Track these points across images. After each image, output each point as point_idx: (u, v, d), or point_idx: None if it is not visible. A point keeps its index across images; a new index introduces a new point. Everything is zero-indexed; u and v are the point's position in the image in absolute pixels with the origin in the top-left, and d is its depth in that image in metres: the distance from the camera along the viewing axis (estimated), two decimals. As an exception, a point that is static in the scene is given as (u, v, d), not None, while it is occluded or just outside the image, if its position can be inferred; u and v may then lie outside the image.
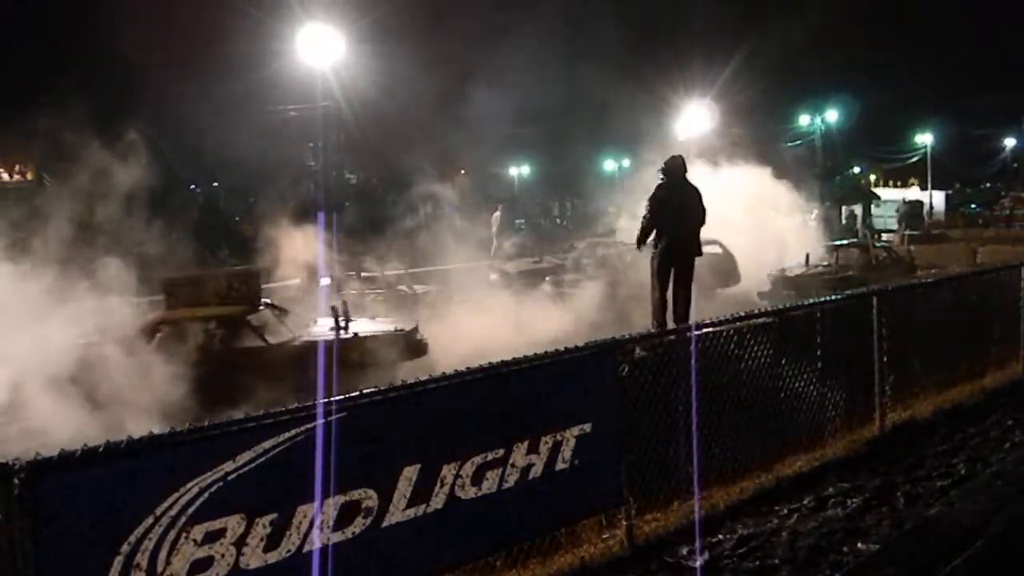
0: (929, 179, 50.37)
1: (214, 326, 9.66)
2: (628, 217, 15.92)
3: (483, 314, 12.63)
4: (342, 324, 9.93)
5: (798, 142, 39.04)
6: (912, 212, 37.37)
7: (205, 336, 9.49)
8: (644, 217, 8.35)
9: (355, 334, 9.93)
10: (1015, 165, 56.70)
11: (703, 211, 8.44)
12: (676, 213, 8.23)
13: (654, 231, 8.29)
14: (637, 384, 5.33)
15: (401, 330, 10.45)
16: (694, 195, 8.41)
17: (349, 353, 9.41)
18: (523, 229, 30.35)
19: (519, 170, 51.10)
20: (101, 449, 3.36)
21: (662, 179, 8.40)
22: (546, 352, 5.02)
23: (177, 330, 9.46)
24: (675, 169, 8.42)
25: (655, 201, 8.27)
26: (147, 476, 3.51)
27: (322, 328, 10.18)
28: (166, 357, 8.77)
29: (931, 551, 4.94)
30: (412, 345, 10.36)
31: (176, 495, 3.55)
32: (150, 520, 3.48)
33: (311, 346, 9.59)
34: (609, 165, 47.56)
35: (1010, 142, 56.21)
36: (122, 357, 8.78)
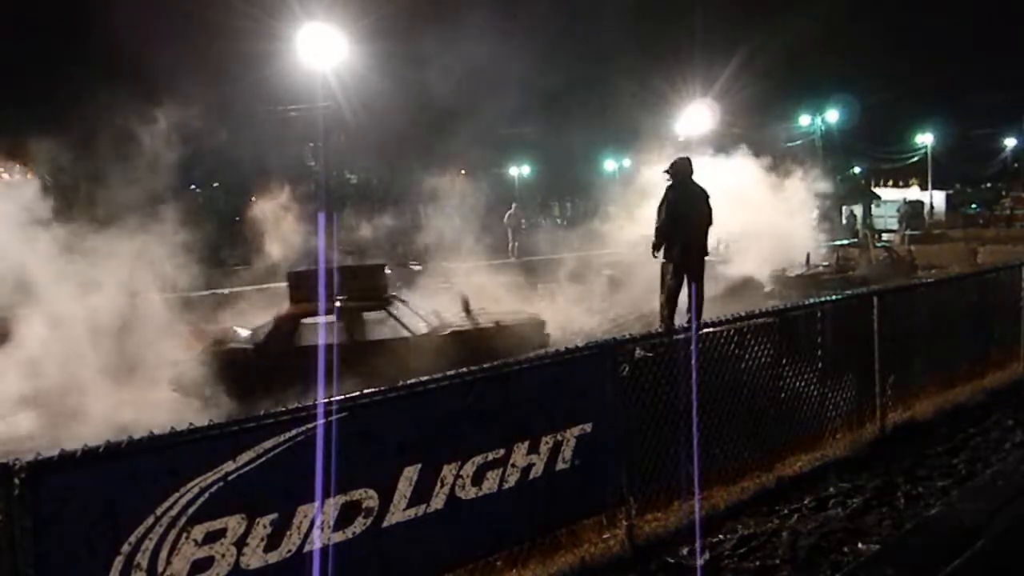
0: (929, 179, 50.38)
1: (358, 319, 9.68)
2: (627, 215, 16.01)
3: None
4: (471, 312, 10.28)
5: (798, 142, 39.04)
6: (913, 212, 37.40)
7: (346, 329, 9.48)
8: (660, 223, 8.34)
9: (496, 323, 10.13)
10: (1015, 165, 56.68)
11: (710, 211, 8.44)
12: (687, 216, 8.24)
13: (664, 237, 8.29)
14: (637, 384, 5.33)
15: (535, 317, 10.64)
16: (701, 196, 8.42)
17: (491, 342, 9.49)
18: (525, 228, 30.45)
19: (519, 170, 51.11)
20: (101, 449, 3.36)
21: (669, 182, 8.40)
22: (546, 352, 5.04)
23: (316, 324, 9.47)
24: (682, 171, 8.43)
25: (668, 206, 8.28)
26: (148, 476, 3.51)
27: (456, 318, 10.36)
28: (314, 351, 8.77)
29: (931, 551, 4.94)
30: (542, 334, 10.49)
31: (177, 495, 3.55)
32: (151, 520, 3.49)
33: (460, 335, 9.76)
34: (610, 165, 47.55)
35: (1010, 142, 56.19)
36: (270, 352, 8.93)
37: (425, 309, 10.43)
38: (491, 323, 10.13)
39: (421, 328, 9.83)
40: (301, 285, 9.83)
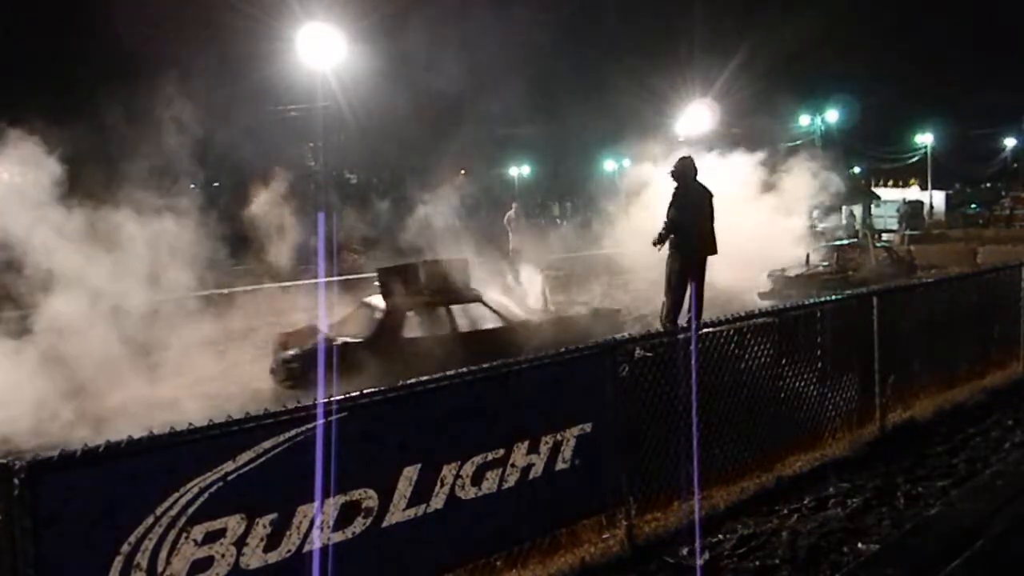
0: (929, 179, 50.45)
1: (457, 310, 10.14)
2: (625, 215, 16.04)
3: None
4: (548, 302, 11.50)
5: (798, 142, 39.07)
6: (913, 212, 37.43)
7: (450, 320, 9.96)
8: (668, 221, 8.34)
9: (595, 310, 11.23)
10: (1015, 165, 56.81)
11: (712, 211, 8.44)
12: (689, 216, 8.24)
13: (670, 236, 8.29)
14: (637, 384, 5.33)
15: (610, 307, 12.07)
16: (704, 196, 8.42)
17: (581, 329, 10.08)
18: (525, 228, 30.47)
19: (519, 170, 51.15)
20: (101, 449, 3.36)
21: (675, 183, 8.40)
22: (546, 352, 5.02)
23: (424, 316, 9.98)
24: (686, 171, 8.43)
25: (677, 207, 8.28)
26: (147, 476, 3.51)
27: (540, 306, 11.34)
28: (423, 342, 9.31)
29: (931, 551, 4.94)
30: (619, 321, 11.19)
31: (176, 495, 3.55)
32: (150, 520, 3.48)
33: (556, 321, 10.49)
34: (609, 165, 47.58)
35: (1010, 142, 56.35)
36: (381, 345, 9.24)
37: (504, 299, 11.04)
38: (579, 311, 11.06)
39: (517, 317, 10.35)
40: (391, 280, 10.25)
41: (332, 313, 12.54)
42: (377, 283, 10.46)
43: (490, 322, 10.15)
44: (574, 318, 10.72)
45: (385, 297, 10.11)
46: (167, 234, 10.75)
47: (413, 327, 9.74)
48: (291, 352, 9.54)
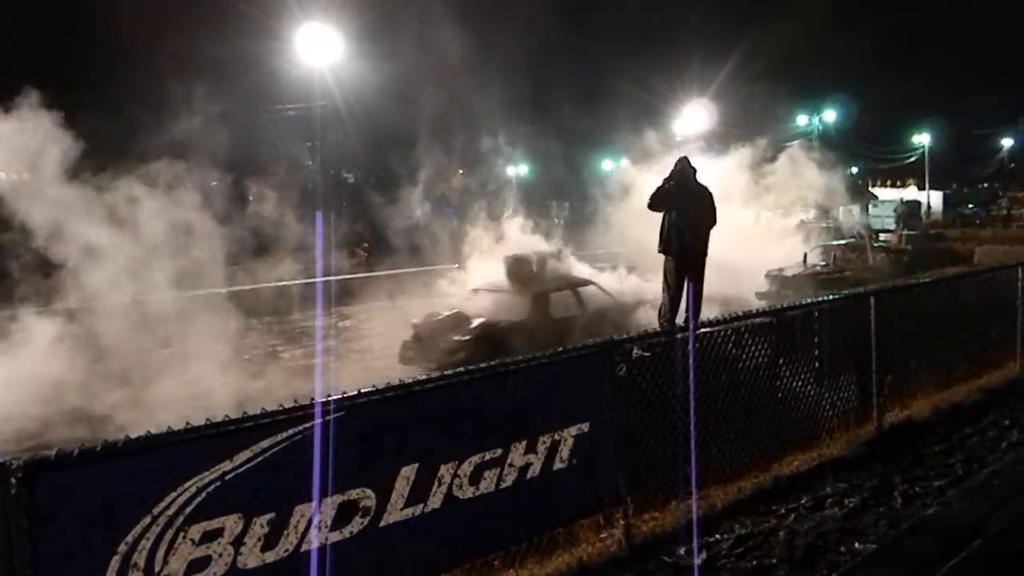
0: (927, 179, 50.53)
1: (583, 292, 12.08)
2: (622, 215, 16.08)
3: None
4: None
5: (795, 142, 39.08)
6: (910, 212, 37.46)
7: (578, 301, 11.87)
8: (652, 199, 8.29)
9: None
10: (1012, 165, 56.92)
11: (713, 211, 8.39)
12: (685, 215, 8.20)
13: (665, 235, 8.26)
14: (635, 384, 5.33)
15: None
16: (702, 195, 8.37)
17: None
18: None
19: (517, 170, 51.06)
20: (98, 449, 3.36)
21: (673, 182, 8.37)
22: (544, 352, 5.02)
23: (562, 298, 11.79)
24: (685, 170, 8.40)
25: (658, 192, 8.22)
26: (145, 476, 3.50)
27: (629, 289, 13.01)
28: (566, 320, 11.20)
29: (928, 551, 4.95)
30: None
31: (174, 494, 3.54)
32: (147, 520, 3.48)
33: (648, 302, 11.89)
34: (607, 165, 47.54)
35: (1007, 142, 56.45)
36: (535, 324, 10.83)
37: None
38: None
39: (624, 297, 12.36)
40: (518, 269, 11.98)
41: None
42: (505, 271, 12.15)
43: (607, 302, 12.03)
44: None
45: (513, 283, 11.82)
46: (167, 233, 10.78)
47: (557, 307, 11.46)
48: (458, 337, 10.75)
